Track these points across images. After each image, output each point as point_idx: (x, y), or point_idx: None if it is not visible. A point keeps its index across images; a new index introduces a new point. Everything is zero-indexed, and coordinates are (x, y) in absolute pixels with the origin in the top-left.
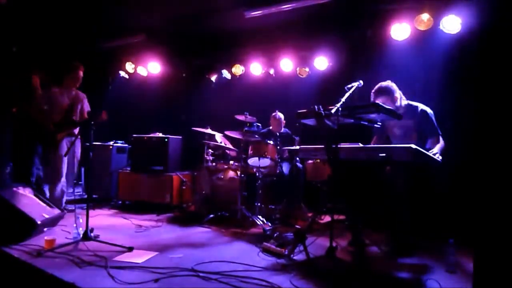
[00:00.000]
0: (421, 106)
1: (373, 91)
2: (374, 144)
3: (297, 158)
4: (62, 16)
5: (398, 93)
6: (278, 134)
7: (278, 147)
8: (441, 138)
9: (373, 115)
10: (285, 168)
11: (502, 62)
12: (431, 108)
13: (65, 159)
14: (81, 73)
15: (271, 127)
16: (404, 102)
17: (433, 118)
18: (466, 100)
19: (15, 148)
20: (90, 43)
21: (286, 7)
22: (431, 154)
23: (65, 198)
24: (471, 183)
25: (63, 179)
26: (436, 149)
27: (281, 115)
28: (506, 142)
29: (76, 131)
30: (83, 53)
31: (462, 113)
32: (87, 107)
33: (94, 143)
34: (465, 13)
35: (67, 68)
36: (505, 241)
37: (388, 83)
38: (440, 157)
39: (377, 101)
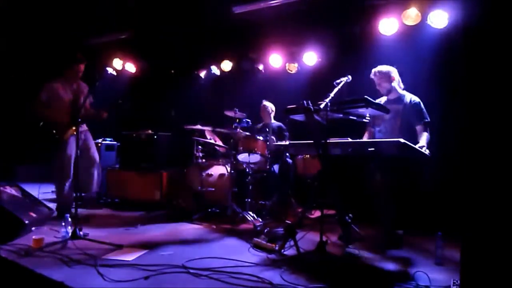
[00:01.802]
0: (413, 97)
1: (374, 68)
2: (367, 137)
3: (287, 154)
4: (49, 11)
5: (397, 78)
6: (267, 129)
7: (268, 143)
8: (427, 128)
9: (361, 110)
10: (276, 168)
11: (487, 58)
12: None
13: (73, 158)
14: (82, 67)
15: (264, 122)
16: (400, 91)
17: (423, 107)
18: (454, 94)
19: None
20: (78, 39)
21: (274, 2)
22: (418, 148)
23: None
24: (459, 176)
25: (71, 177)
26: (423, 142)
27: (269, 104)
28: (492, 136)
29: (84, 128)
30: (70, 49)
31: (449, 107)
32: (90, 99)
33: None
34: (452, 8)
35: (69, 60)
36: (491, 233)
37: (391, 67)
38: (428, 151)
39: (374, 78)
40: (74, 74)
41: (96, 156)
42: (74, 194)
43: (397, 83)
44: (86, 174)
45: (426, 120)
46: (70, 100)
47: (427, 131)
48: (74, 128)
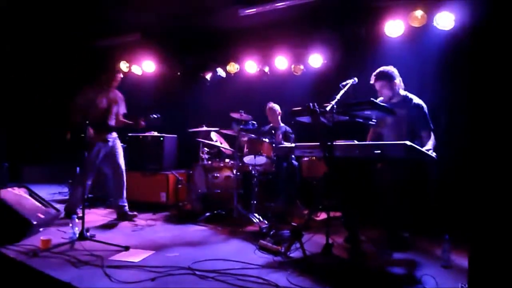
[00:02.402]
0: (416, 100)
1: (374, 73)
2: (370, 137)
3: (293, 156)
4: (57, 14)
5: (398, 80)
6: (273, 131)
7: (274, 145)
8: (432, 134)
9: (368, 112)
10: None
11: (494, 59)
12: (426, 104)
13: (95, 163)
14: (119, 76)
15: (271, 124)
16: (402, 92)
17: (427, 113)
18: (460, 96)
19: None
20: (85, 42)
21: (280, 5)
22: (425, 150)
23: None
24: (465, 179)
25: (88, 182)
26: (430, 145)
27: (276, 107)
28: (500, 138)
29: (113, 136)
30: (78, 52)
31: (456, 109)
32: (123, 109)
33: None
34: (458, 9)
35: (107, 69)
36: (499, 236)
37: (390, 68)
38: (434, 154)
39: (376, 84)
40: (111, 83)
41: (121, 163)
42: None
43: (399, 83)
44: (111, 180)
45: (431, 127)
46: (104, 108)
47: (432, 137)
48: (102, 134)
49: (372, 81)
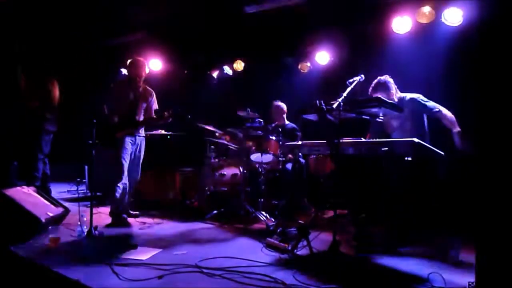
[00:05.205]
0: (408, 95)
1: (372, 85)
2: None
3: (300, 154)
4: (65, 13)
5: (393, 87)
6: (280, 129)
7: (281, 143)
8: (443, 109)
9: (375, 109)
10: (288, 167)
11: (503, 56)
12: (434, 101)
13: (126, 159)
14: (139, 71)
15: (277, 122)
16: (398, 95)
17: (423, 100)
18: (469, 93)
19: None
20: (92, 40)
21: (286, 2)
22: (433, 148)
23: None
24: (474, 176)
25: (124, 180)
26: (453, 125)
27: (281, 105)
28: (507, 135)
29: (141, 131)
30: (85, 50)
31: (464, 106)
32: (154, 105)
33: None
34: (467, 5)
35: (129, 64)
36: (507, 233)
37: (385, 77)
38: (443, 153)
39: (374, 96)
40: (134, 79)
41: (139, 168)
42: (89, 194)
43: (395, 90)
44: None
45: (434, 106)
46: (131, 103)
47: (442, 112)
48: (128, 129)
49: (370, 93)
